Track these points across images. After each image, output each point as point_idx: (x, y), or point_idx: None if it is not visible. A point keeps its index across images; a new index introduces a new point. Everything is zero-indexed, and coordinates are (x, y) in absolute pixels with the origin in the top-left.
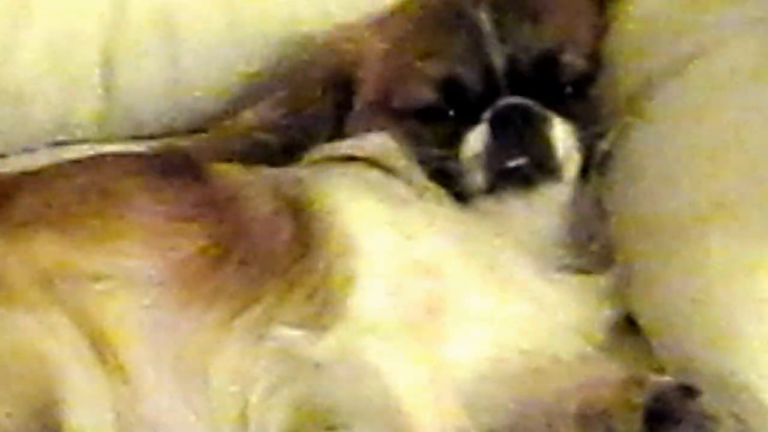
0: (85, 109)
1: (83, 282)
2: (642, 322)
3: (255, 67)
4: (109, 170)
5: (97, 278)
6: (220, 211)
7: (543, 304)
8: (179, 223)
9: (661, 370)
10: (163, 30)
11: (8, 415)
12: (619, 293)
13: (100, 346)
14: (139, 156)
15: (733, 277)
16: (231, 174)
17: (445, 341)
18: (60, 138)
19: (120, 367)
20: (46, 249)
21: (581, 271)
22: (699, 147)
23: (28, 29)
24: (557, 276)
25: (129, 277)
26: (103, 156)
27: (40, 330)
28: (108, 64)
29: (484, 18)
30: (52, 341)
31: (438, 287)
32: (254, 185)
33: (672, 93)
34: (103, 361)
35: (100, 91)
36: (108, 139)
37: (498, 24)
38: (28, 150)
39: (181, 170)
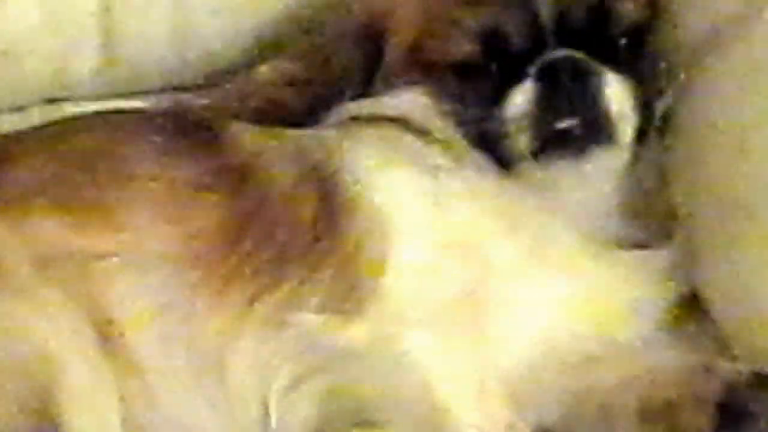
0: (83, 62)
1: (84, 260)
2: (708, 302)
3: (273, 14)
4: (112, 132)
5: (100, 256)
6: (237, 179)
7: (597, 284)
8: (192, 193)
9: (731, 357)
10: None
11: None
12: (682, 270)
13: (104, 334)
14: (144, 115)
15: None
16: (249, 136)
17: (489, 326)
18: (56, 95)
19: (127, 358)
20: (43, 224)
21: (639, 245)
22: None
23: None
24: (612, 252)
25: (136, 255)
26: (104, 115)
27: (36, 316)
28: (107, 13)
29: None
30: (50, 329)
31: (479, 266)
32: (274, 150)
33: (740, 45)
34: (108, 351)
35: (98, 42)
36: (108, 96)
37: None
38: (21, 108)
39: (193, 131)
